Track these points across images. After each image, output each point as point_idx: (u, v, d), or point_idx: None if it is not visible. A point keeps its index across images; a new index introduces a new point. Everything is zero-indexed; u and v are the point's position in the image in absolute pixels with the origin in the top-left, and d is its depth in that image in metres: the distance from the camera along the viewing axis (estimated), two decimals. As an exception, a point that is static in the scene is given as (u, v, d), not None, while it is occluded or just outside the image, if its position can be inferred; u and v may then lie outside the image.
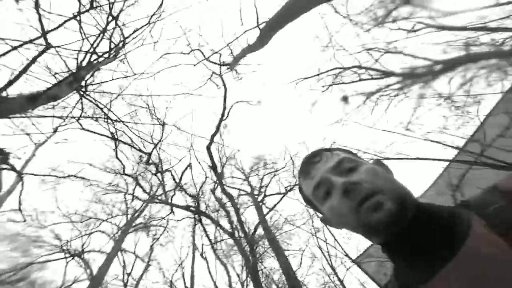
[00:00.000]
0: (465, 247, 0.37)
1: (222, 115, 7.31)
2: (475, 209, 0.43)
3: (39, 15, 3.87)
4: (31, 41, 4.03)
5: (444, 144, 4.76)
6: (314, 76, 6.65)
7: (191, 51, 6.94)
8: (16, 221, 7.58)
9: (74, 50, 4.82)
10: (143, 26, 5.93)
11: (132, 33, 5.86)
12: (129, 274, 9.19)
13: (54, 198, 7.70)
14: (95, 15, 4.90)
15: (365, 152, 5.24)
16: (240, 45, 6.81)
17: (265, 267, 7.40)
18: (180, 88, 7.01)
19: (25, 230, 7.95)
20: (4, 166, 5.44)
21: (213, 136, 7.40)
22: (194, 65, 7.23)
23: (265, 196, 7.70)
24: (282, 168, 7.92)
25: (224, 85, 7.15)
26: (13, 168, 6.00)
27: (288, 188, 7.29)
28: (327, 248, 7.35)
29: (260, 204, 7.41)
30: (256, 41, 6.71)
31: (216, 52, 6.81)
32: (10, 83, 3.59)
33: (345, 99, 6.45)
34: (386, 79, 5.80)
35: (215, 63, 6.91)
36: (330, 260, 7.23)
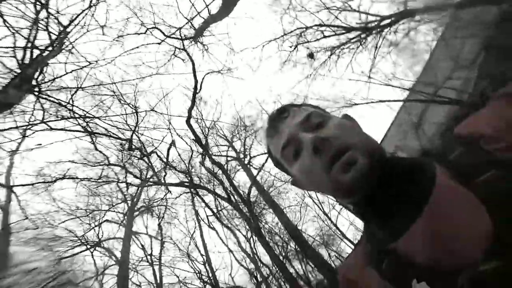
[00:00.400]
0: (431, 200, 0.36)
1: (195, 88, 7.10)
2: (436, 158, 0.41)
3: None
4: None
5: (402, 88, 5.49)
6: (280, 37, 6.74)
7: (147, 30, 6.44)
8: (29, 228, 7.96)
9: (7, 48, 4.44)
10: (84, 10, 5.33)
11: (73, 20, 5.30)
12: (150, 254, 9.94)
13: (51, 199, 7.95)
14: (18, 5, 4.33)
15: (336, 102, 5.99)
16: (201, 16, 6.46)
17: (266, 222, 7.83)
18: (145, 70, 6.66)
19: (40, 233, 8.37)
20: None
21: (190, 110, 7.26)
22: (159, 43, 6.83)
23: (250, 157, 7.81)
24: (261, 127, 7.84)
25: (191, 58, 6.88)
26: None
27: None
28: (317, 196, 7.61)
29: (248, 166, 7.54)
30: (219, 10, 6.44)
31: (179, 28, 6.46)
32: None
33: (311, 55, 6.62)
34: (346, 34, 6.24)
35: (177, 38, 6.58)
36: (322, 207, 7.55)
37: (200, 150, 7.57)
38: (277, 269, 6.95)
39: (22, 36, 4.67)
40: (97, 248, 10.03)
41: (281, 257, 7.05)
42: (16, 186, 6.27)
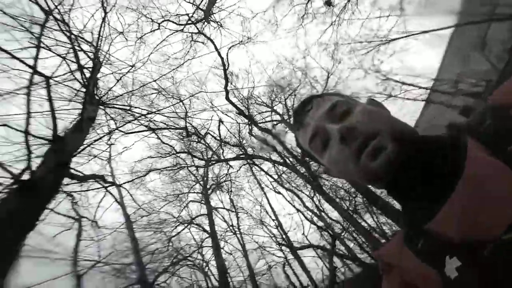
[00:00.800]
0: (463, 175, 0.35)
1: (223, 65, 7.21)
2: (469, 132, 0.41)
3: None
4: (30, 84, 4.66)
5: (449, 13, 4.62)
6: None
7: (159, 26, 6.83)
8: (143, 215, 10.09)
9: (66, 74, 5.54)
10: (102, 23, 6.01)
11: (99, 35, 6.06)
12: (231, 225, 11.15)
13: (148, 190, 9.75)
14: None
15: (370, 41, 5.50)
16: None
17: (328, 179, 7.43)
18: (173, 62, 7.15)
19: (150, 219, 10.45)
20: (106, 184, 7.21)
21: (225, 87, 7.45)
22: (182, 30, 7.20)
23: None
24: (298, 85, 7.44)
25: (209, 39, 7.01)
26: (114, 184, 7.89)
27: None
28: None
29: (295, 125, 7.20)
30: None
31: (190, 16, 6.66)
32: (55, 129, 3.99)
33: (328, 3, 6.40)
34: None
35: (190, 23, 6.83)
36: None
37: (246, 121, 7.71)
38: (348, 224, 6.55)
39: (70, 60, 5.70)
40: (192, 225, 12.00)
41: (350, 212, 6.59)
42: (124, 184, 7.97)
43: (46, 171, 3.17)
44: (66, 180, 4.69)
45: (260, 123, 7.73)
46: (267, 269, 9.20)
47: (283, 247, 8.04)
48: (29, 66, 4.27)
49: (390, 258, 0.45)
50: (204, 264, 11.46)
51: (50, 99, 4.01)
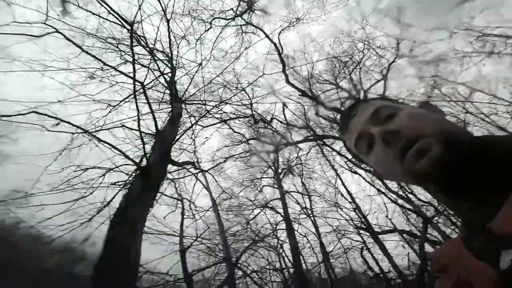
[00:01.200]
0: None
1: (277, 50, 7.19)
2: None
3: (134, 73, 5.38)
4: (135, 93, 5.74)
5: None
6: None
7: (210, 24, 7.17)
8: (226, 198, 11.19)
9: (151, 82, 6.61)
10: (168, 32, 6.69)
11: (170, 45, 6.80)
12: (305, 208, 11.24)
13: (228, 176, 10.75)
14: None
15: None
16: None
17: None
18: (231, 55, 7.43)
19: (231, 202, 11.55)
20: (197, 170, 8.41)
21: (284, 71, 7.40)
22: (228, 24, 7.44)
23: (366, 91, 6.66)
24: (362, 57, 6.68)
25: (257, 27, 7.10)
26: (201, 170, 9.13)
27: (385, 70, 6.00)
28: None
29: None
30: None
31: (235, 11, 6.84)
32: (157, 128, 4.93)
33: None
34: None
35: (236, 16, 7.01)
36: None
37: (310, 102, 7.52)
38: (444, 207, 5.69)
39: (154, 69, 6.69)
40: (266, 208, 12.68)
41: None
42: (209, 170, 9.05)
43: (155, 158, 3.93)
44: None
45: (327, 102, 7.40)
46: (343, 253, 8.99)
47: (362, 231, 7.63)
48: (130, 77, 5.27)
49: (446, 259, 0.43)
50: (279, 246, 12.01)
51: (148, 102, 4.88)
